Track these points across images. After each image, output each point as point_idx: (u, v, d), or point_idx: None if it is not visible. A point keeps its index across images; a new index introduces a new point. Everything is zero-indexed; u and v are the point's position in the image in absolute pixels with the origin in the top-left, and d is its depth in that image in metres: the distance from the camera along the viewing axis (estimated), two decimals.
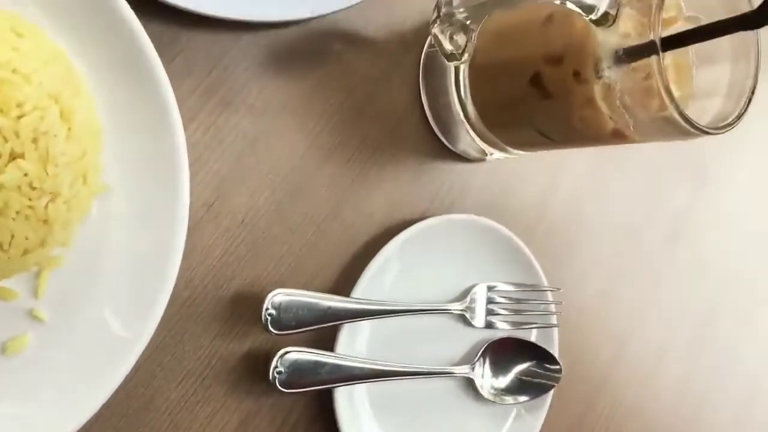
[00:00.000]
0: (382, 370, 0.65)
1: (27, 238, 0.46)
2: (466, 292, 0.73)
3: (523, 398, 0.74)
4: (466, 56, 0.66)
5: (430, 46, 0.73)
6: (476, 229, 0.73)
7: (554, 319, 0.77)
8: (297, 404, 0.63)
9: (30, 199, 0.45)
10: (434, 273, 0.72)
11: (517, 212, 0.79)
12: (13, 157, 0.43)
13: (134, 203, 0.56)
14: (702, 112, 0.62)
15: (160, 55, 0.56)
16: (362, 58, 0.69)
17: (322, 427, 0.64)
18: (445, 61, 0.67)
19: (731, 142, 0.75)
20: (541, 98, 0.63)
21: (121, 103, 0.54)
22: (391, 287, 0.68)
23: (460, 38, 0.64)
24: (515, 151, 0.73)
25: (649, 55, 0.55)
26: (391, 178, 0.70)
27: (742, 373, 0.98)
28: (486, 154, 0.74)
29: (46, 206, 0.46)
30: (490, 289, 0.74)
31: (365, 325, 0.67)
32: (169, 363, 0.58)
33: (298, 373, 0.60)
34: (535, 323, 0.76)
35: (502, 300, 0.75)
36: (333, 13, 0.64)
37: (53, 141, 0.44)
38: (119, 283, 0.54)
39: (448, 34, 0.64)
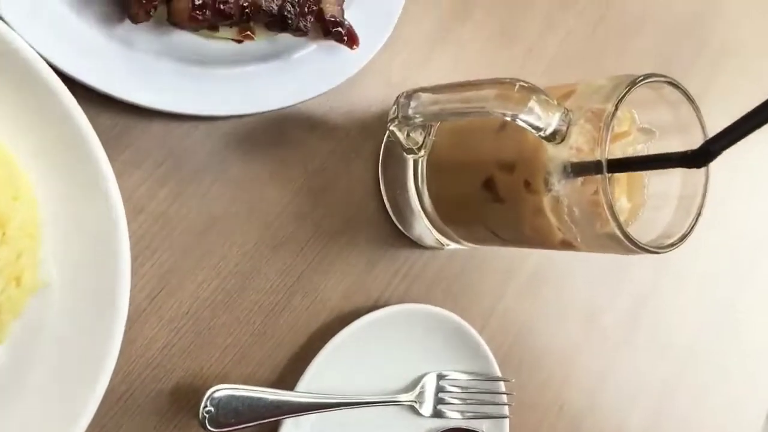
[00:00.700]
0: None
1: None
2: (416, 381, 0.73)
3: None
4: (423, 152, 0.66)
5: (388, 126, 0.73)
6: (429, 318, 0.73)
7: (506, 410, 0.76)
8: None
9: None
10: (385, 362, 0.71)
11: (472, 299, 0.79)
12: None
13: (73, 295, 0.55)
14: (652, 223, 0.62)
15: (111, 146, 0.57)
16: (322, 145, 0.69)
17: None
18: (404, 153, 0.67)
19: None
20: (494, 201, 0.63)
21: (62, 196, 0.54)
22: (340, 377, 0.68)
23: (418, 135, 0.65)
24: (471, 245, 0.73)
25: (596, 173, 0.55)
26: (345, 266, 0.70)
27: None
28: (443, 244, 0.74)
29: None
30: (441, 377, 0.74)
31: (309, 419, 0.66)
32: None
33: None
34: (486, 413, 0.76)
35: (454, 389, 0.74)
36: (299, 103, 0.64)
37: None
38: (52, 378, 0.53)
39: (405, 131, 0.65)
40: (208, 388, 0.58)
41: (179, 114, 0.59)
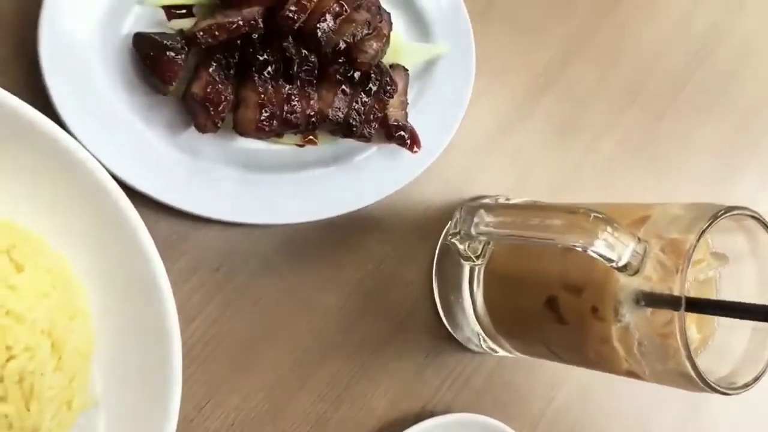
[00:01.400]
0: None
1: None
2: None
3: None
4: (481, 261, 0.64)
5: (447, 237, 0.71)
6: (477, 429, 0.70)
7: None
8: None
9: None
10: None
11: (521, 405, 0.76)
12: None
13: (121, 407, 0.53)
14: (723, 351, 0.59)
15: (168, 254, 0.55)
16: (377, 248, 0.67)
17: None
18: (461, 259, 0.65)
19: None
20: (556, 322, 0.61)
21: (115, 308, 0.53)
22: None
23: (477, 244, 0.63)
24: (523, 356, 0.70)
25: (672, 309, 0.52)
26: (394, 372, 0.68)
27: None
28: (493, 351, 0.72)
29: None
30: None
31: None
32: None
33: None
34: None
35: None
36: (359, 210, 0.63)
37: (40, 379, 0.42)
38: None
39: (466, 243, 0.63)
40: None
41: (238, 223, 0.57)
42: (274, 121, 0.56)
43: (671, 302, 0.52)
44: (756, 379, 0.55)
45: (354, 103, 0.60)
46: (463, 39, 0.69)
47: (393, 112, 0.64)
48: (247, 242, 0.61)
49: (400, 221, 0.69)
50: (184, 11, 0.57)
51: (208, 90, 0.54)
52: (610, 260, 0.52)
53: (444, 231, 0.71)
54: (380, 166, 0.65)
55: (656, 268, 0.54)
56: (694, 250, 0.52)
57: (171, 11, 0.56)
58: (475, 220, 0.59)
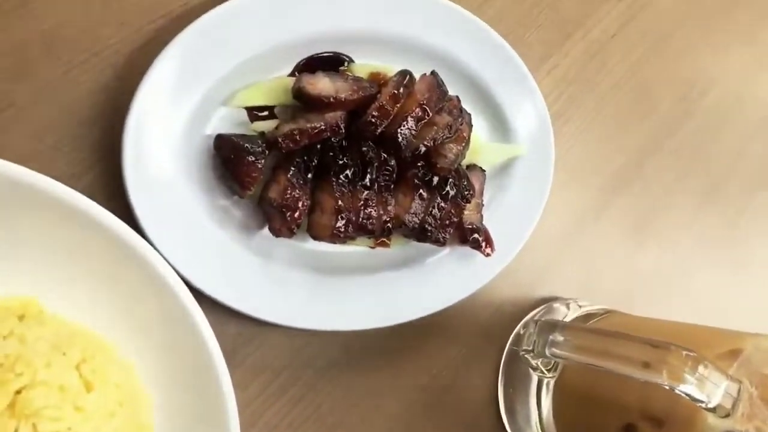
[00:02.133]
0: None
1: None
2: None
3: None
4: (553, 374, 0.61)
5: (515, 342, 0.68)
6: None
7: None
8: None
9: None
10: None
11: None
12: None
13: None
14: None
15: (232, 357, 0.54)
16: (442, 352, 0.65)
17: None
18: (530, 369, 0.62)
19: None
20: None
21: (178, 414, 0.51)
22: None
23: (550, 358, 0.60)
24: None
25: None
26: None
27: None
28: None
29: None
30: None
31: None
32: None
33: None
34: None
35: None
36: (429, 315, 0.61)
37: None
38: None
39: (539, 359, 0.60)
40: None
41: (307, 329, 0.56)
42: (350, 228, 0.54)
43: None
44: None
45: (431, 208, 0.58)
46: (542, 139, 0.67)
47: (468, 215, 0.62)
48: (312, 345, 0.59)
49: (467, 323, 0.67)
50: (266, 113, 0.56)
51: (286, 195, 0.53)
52: (698, 401, 0.49)
53: (512, 334, 0.68)
54: (452, 269, 0.63)
55: (747, 406, 0.50)
56: None
57: (253, 113, 0.56)
58: (550, 338, 0.56)
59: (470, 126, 0.62)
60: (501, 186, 0.66)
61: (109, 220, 0.47)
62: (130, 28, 0.52)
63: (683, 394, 0.49)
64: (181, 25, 0.53)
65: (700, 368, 0.48)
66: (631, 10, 0.77)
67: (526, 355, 0.59)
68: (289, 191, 0.53)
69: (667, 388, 0.49)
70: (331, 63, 0.59)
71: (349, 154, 0.56)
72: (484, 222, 0.63)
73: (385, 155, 0.57)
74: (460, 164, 0.61)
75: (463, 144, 0.60)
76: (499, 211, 0.65)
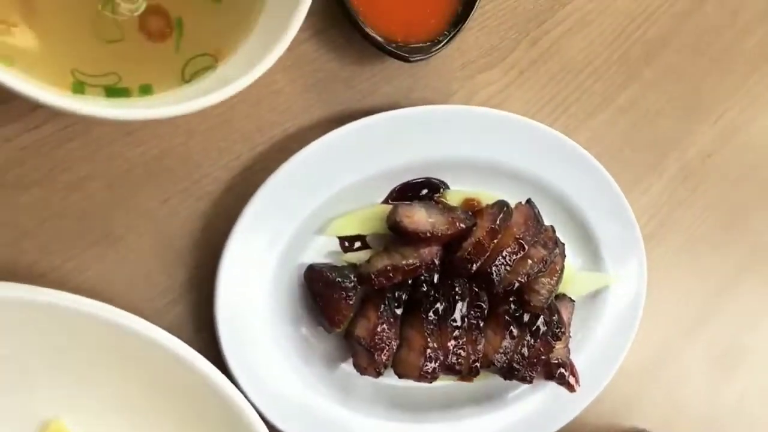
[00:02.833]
0: None
1: None
2: None
3: None
4: None
5: None
6: None
7: None
8: None
9: None
10: None
11: None
12: None
13: None
14: None
15: None
16: None
17: None
18: None
19: None
20: None
21: None
22: None
23: None
24: None
25: None
26: None
27: None
28: None
29: None
30: None
31: None
32: None
33: None
34: None
35: None
36: None
37: None
38: None
39: None
40: None
41: None
42: (438, 368, 0.52)
43: None
44: None
45: (520, 346, 0.56)
46: (634, 267, 0.65)
47: (558, 351, 0.59)
48: None
49: None
50: (359, 244, 0.55)
51: (376, 334, 0.51)
52: None
53: None
54: (535, 405, 0.60)
55: None
56: None
57: (345, 243, 0.54)
58: None
59: (563, 257, 0.60)
60: (589, 317, 0.63)
61: (197, 361, 0.46)
62: (230, 155, 0.51)
63: None
64: (281, 151, 0.53)
65: None
66: (727, 131, 0.74)
67: None
68: (378, 330, 0.51)
69: None
70: (425, 188, 0.58)
71: (440, 290, 0.54)
72: (570, 355, 0.61)
73: (476, 289, 0.55)
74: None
75: (556, 277, 0.58)
76: (586, 343, 0.63)
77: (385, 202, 0.56)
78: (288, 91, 0.53)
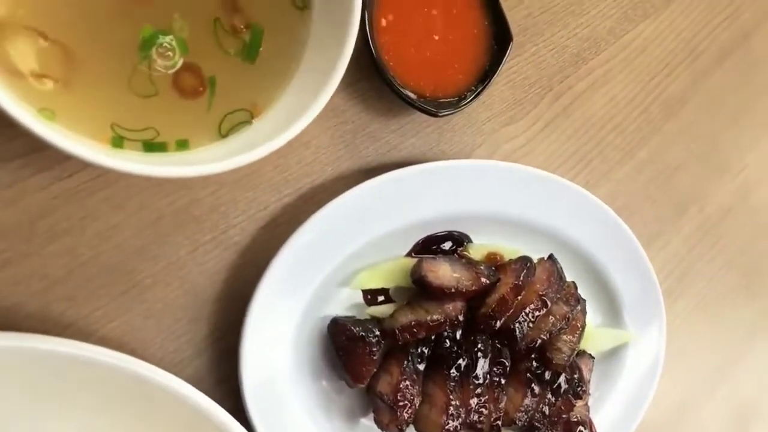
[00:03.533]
0: None
1: None
2: None
3: None
4: None
5: None
6: None
7: None
8: None
9: None
10: None
11: None
12: None
13: None
14: None
15: None
16: None
17: None
18: None
19: None
20: None
21: None
22: None
23: None
24: None
25: None
26: None
27: None
28: None
29: None
30: None
31: None
32: None
33: None
34: None
35: None
36: None
37: None
38: None
39: None
40: None
41: None
42: (459, 426, 0.52)
43: None
44: None
45: (541, 405, 0.56)
46: (654, 325, 0.65)
47: (578, 410, 0.59)
48: None
49: None
50: (382, 297, 0.55)
51: (398, 391, 0.51)
52: None
53: None
54: None
55: None
56: None
57: (369, 297, 0.54)
58: None
59: (585, 313, 0.59)
60: (608, 373, 0.63)
61: (218, 414, 0.46)
62: (258, 206, 0.51)
63: None
64: (307, 202, 0.53)
65: None
66: (745, 187, 0.75)
67: None
68: (401, 386, 0.51)
69: None
70: (449, 242, 0.58)
71: (463, 345, 0.54)
72: (590, 413, 0.60)
73: (499, 346, 0.55)
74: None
75: (578, 334, 0.58)
76: (605, 400, 0.62)
77: (409, 255, 0.56)
78: (316, 143, 0.54)
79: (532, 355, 0.56)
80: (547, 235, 0.61)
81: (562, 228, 0.61)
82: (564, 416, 0.57)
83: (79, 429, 0.45)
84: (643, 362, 0.64)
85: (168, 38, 0.42)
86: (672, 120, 0.70)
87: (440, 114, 0.54)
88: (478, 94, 0.56)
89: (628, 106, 0.68)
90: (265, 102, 0.45)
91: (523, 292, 0.55)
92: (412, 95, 0.53)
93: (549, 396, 0.56)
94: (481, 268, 0.55)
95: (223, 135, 0.43)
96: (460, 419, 0.52)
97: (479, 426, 0.53)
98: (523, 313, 0.55)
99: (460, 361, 0.53)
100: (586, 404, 0.60)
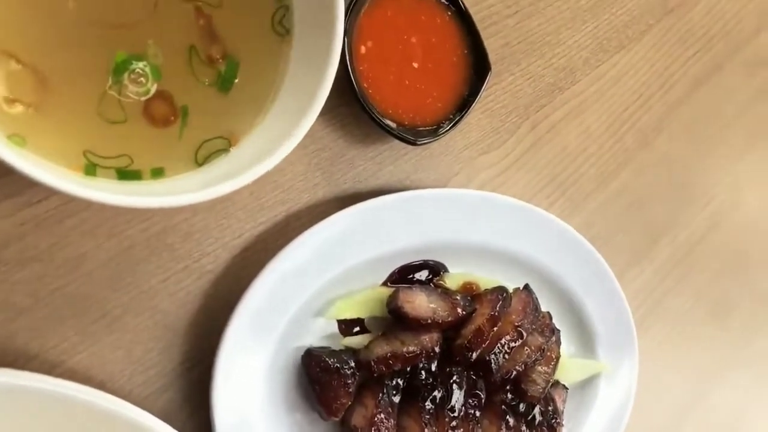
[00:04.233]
0: None
1: None
2: None
3: None
4: None
5: None
6: None
7: None
8: None
9: None
10: None
11: None
12: None
13: None
14: None
15: None
16: None
17: None
18: None
19: None
20: None
21: None
22: None
23: None
24: None
25: None
26: None
27: None
28: None
29: None
30: None
31: None
32: None
33: None
34: None
35: None
36: None
37: None
38: None
39: None
40: None
41: None
42: None
43: None
44: None
45: None
46: (626, 356, 0.65)
47: None
48: None
49: None
50: (358, 328, 0.54)
51: (373, 423, 0.50)
52: None
53: None
54: None
55: None
56: None
57: (344, 327, 0.53)
58: None
59: (559, 344, 0.59)
60: (581, 404, 0.63)
61: None
62: (232, 234, 0.50)
63: None
64: (283, 230, 0.52)
65: None
66: (715, 217, 0.76)
67: None
68: (376, 420, 0.50)
69: None
70: (425, 270, 0.57)
71: (438, 377, 0.53)
72: None
73: (474, 377, 0.54)
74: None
75: (552, 365, 0.58)
76: (578, 431, 0.62)
77: (385, 284, 0.56)
78: (293, 169, 0.53)
79: (507, 387, 0.56)
80: (523, 264, 0.61)
81: (538, 257, 0.61)
82: None
83: None
84: (616, 393, 0.64)
85: (141, 64, 0.41)
86: (645, 150, 0.71)
87: (418, 143, 0.54)
88: (456, 122, 0.56)
89: (603, 135, 0.69)
90: (243, 130, 0.44)
91: (499, 323, 0.54)
92: (391, 123, 0.53)
93: (524, 428, 0.56)
94: (458, 298, 0.55)
95: (199, 163, 0.42)
96: None
97: None
98: (499, 345, 0.54)
99: (436, 392, 0.53)
100: None
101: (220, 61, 0.43)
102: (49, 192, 0.44)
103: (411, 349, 0.51)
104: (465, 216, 0.57)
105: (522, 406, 0.56)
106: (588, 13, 0.67)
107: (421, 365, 0.53)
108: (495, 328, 0.54)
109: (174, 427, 0.44)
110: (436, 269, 0.58)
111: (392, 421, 0.51)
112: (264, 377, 0.50)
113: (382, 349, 0.51)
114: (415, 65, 0.55)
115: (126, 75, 0.41)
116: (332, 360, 0.51)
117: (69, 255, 0.45)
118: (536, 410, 0.56)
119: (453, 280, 0.58)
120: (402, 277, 0.56)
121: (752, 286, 0.78)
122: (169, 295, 0.48)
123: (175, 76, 0.42)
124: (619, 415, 0.64)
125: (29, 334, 0.44)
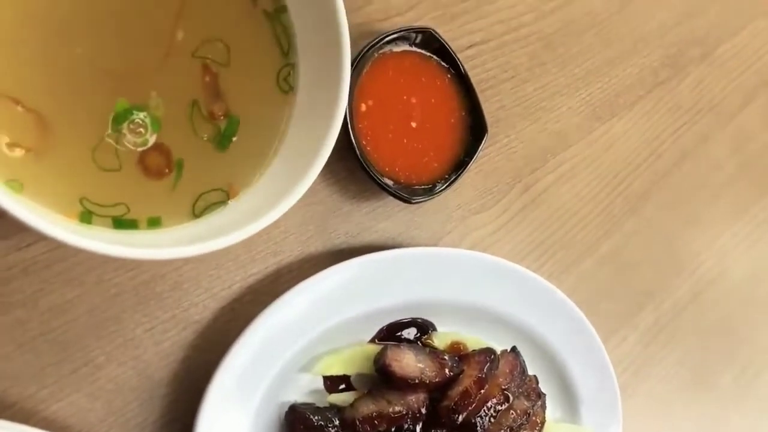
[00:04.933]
0: None
1: None
2: None
3: None
4: None
5: None
6: None
7: None
8: None
9: None
10: None
11: None
12: None
13: None
14: None
15: None
16: None
17: None
18: None
19: None
20: None
21: None
22: None
23: None
24: None
25: None
26: None
27: None
28: None
29: None
30: None
31: None
32: None
33: None
34: None
35: None
36: None
37: None
38: None
39: None
40: None
41: None
42: None
43: None
44: None
45: None
46: (610, 420, 0.64)
47: None
48: None
49: None
50: (344, 385, 0.53)
51: None
52: None
53: None
54: None
55: None
56: None
57: (330, 383, 0.53)
58: None
59: (544, 408, 0.59)
60: None
61: None
62: (222, 284, 0.50)
63: None
64: (273, 283, 0.51)
65: None
66: (699, 285, 0.76)
67: None
68: None
69: None
70: (413, 328, 0.57)
71: None
72: None
73: None
74: None
75: (537, 429, 0.57)
76: None
77: (372, 341, 0.55)
78: (286, 222, 0.53)
79: None
80: (510, 325, 0.61)
81: (525, 319, 0.61)
82: None
83: None
84: None
85: (142, 114, 0.41)
86: (633, 217, 0.72)
87: (413, 201, 0.54)
88: (452, 182, 0.56)
89: (593, 201, 0.69)
90: (243, 183, 0.44)
91: (486, 386, 0.54)
92: (388, 181, 0.53)
93: None
94: (445, 358, 0.54)
95: (197, 215, 0.42)
96: None
97: None
98: (485, 408, 0.54)
99: None
100: None
101: (222, 117, 0.43)
102: (39, 237, 0.43)
103: (397, 409, 0.51)
104: (455, 275, 0.57)
105: None
106: (581, 81, 0.68)
107: (406, 426, 0.52)
108: (482, 391, 0.53)
109: None
110: (425, 327, 0.57)
111: None
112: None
113: (368, 408, 0.51)
114: (414, 125, 0.55)
115: (126, 124, 0.41)
116: (316, 418, 0.50)
117: (54, 301, 0.44)
118: None
119: (441, 339, 0.57)
120: (390, 334, 0.56)
121: (735, 353, 0.78)
122: (154, 344, 0.47)
123: (175, 128, 0.42)
124: None
125: (8, 382, 0.43)
